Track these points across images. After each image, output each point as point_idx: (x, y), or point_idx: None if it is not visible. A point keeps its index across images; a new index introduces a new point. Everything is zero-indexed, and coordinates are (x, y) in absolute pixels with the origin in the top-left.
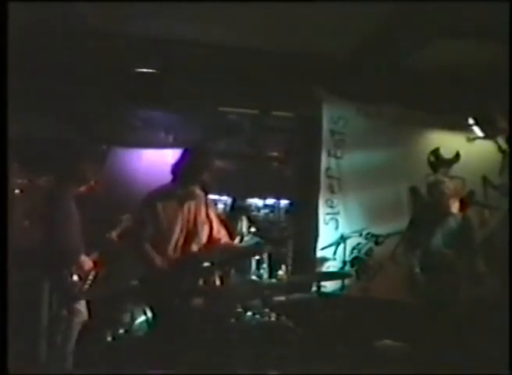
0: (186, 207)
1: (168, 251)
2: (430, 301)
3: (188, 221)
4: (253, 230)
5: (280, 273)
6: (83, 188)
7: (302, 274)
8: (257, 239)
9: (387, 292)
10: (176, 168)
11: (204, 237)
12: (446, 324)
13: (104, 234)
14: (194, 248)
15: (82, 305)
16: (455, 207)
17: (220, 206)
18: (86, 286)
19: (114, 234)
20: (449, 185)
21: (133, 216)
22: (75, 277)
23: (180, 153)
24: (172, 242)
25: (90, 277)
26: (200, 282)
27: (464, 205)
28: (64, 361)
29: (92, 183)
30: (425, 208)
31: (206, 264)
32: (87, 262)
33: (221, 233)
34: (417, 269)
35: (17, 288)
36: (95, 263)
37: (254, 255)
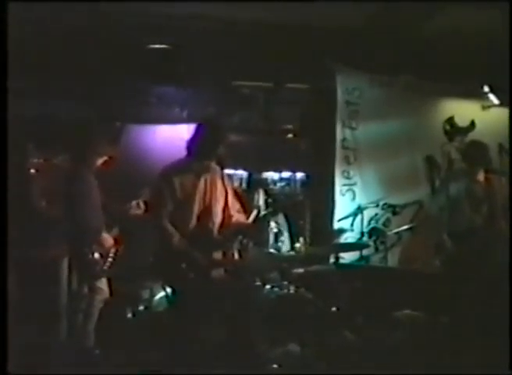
0: (202, 181)
1: (186, 225)
2: (458, 268)
3: (205, 195)
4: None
5: (298, 245)
6: (98, 163)
7: (320, 246)
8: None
9: (406, 262)
10: (191, 143)
11: (220, 212)
12: (472, 292)
13: (123, 211)
14: (211, 221)
15: (103, 283)
16: (481, 174)
17: (236, 181)
18: (107, 263)
19: (132, 210)
20: (484, 150)
21: (150, 191)
22: (96, 255)
23: (195, 128)
24: (190, 216)
25: (111, 255)
26: (219, 256)
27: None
28: (85, 339)
29: (106, 157)
30: (454, 174)
31: (223, 237)
32: (107, 239)
33: (235, 207)
34: (445, 236)
35: (38, 267)
36: (115, 240)
37: (267, 223)
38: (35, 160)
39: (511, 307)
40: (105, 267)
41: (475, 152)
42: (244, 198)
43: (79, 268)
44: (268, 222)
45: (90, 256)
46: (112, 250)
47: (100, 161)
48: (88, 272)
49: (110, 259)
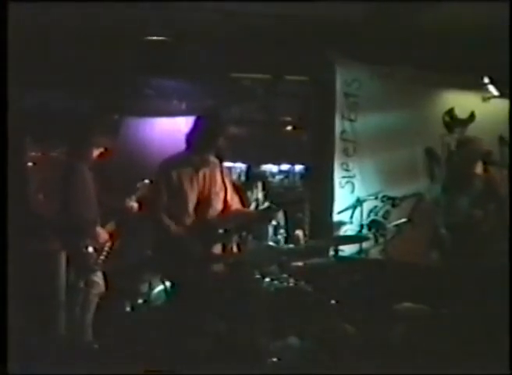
0: (201, 174)
1: (184, 219)
2: (456, 261)
3: (203, 188)
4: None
5: (297, 238)
6: (95, 155)
7: (319, 239)
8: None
9: (405, 254)
10: (191, 136)
11: (219, 205)
12: (471, 286)
13: (120, 204)
14: (210, 215)
15: (99, 277)
16: (480, 167)
17: (235, 173)
18: (102, 257)
19: (130, 203)
20: (480, 144)
21: (148, 184)
22: (90, 249)
23: (194, 121)
24: (188, 210)
25: (106, 249)
26: (218, 249)
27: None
28: (83, 333)
29: (102, 149)
30: (451, 167)
31: (222, 231)
32: (102, 233)
33: (234, 201)
34: (443, 230)
35: (33, 261)
36: (111, 234)
37: (268, 219)
38: (33, 153)
39: (511, 306)
40: (100, 261)
41: (471, 148)
42: (243, 192)
43: (74, 262)
44: (271, 219)
45: (84, 250)
46: (108, 244)
47: (96, 153)
48: (83, 266)
49: (105, 253)
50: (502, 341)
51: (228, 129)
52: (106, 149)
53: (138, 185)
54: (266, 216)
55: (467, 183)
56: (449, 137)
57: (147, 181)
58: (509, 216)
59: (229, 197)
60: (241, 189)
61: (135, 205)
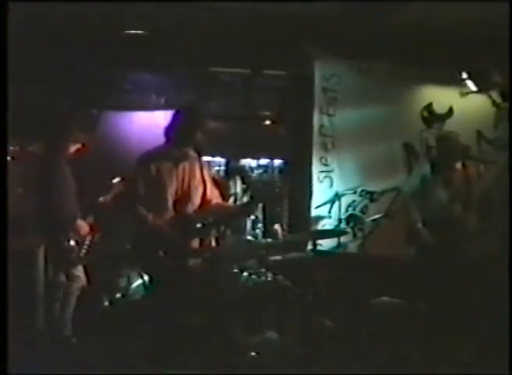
0: (180, 168)
1: (163, 213)
2: (433, 256)
3: (183, 182)
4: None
5: (276, 232)
6: (72, 150)
7: (298, 233)
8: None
9: (383, 249)
10: (169, 130)
11: (198, 199)
12: (447, 280)
13: (98, 198)
14: (189, 209)
15: (80, 271)
16: (458, 162)
17: (214, 168)
18: (83, 251)
19: (108, 198)
20: (458, 140)
21: (126, 178)
22: (72, 242)
23: (172, 115)
24: (167, 204)
25: (87, 242)
26: (196, 243)
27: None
28: (62, 327)
29: (79, 145)
30: (429, 161)
31: (200, 225)
32: (83, 226)
33: (214, 194)
34: (420, 225)
35: (14, 255)
36: (91, 227)
37: (247, 214)
38: (11, 148)
39: (511, 306)
40: (81, 254)
41: (449, 143)
42: (223, 186)
43: (55, 256)
44: (249, 213)
45: (66, 244)
46: (88, 237)
47: (73, 148)
48: (64, 259)
49: (86, 247)
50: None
51: (206, 123)
52: (83, 145)
53: (115, 180)
54: (245, 210)
55: (445, 178)
56: (428, 132)
57: (121, 178)
58: (509, 215)
59: (208, 191)
60: (221, 183)
61: (112, 199)
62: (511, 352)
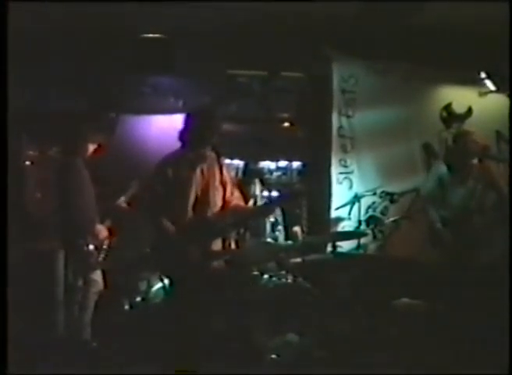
0: (198, 170)
1: (183, 217)
2: (453, 257)
3: (202, 184)
4: (266, 193)
5: (295, 234)
6: (89, 151)
7: (317, 235)
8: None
9: (404, 250)
10: (183, 133)
11: (218, 201)
12: (468, 281)
13: (116, 202)
14: (209, 211)
15: (98, 275)
16: (476, 160)
17: (232, 170)
18: (101, 255)
19: (125, 199)
20: (476, 138)
21: (143, 182)
22: (91, 247)
23: (186, 118)
24: (186, 207)
25: (105, 246)
26: (217, 246)
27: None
28: (81, 331)
29: (96, 146)
30: (448, 161)
31: (220, 227)
32: (102, 230)
33: (235, 196)
34: (439, 225)
35: (33, 260)
36: (109, 231)
37: (267, 215)
38: (30, 153)
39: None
40: (100, 259)
41: (467, 141)
42: (244, 187)
43: (74, 260)
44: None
45: (85, 248)
46: (106, 241)
47: (91, 149)
48: (83, 264)
49: (104, 251)
50: (502, 338)
51: (222, 125)
52: (100, 145)
53: (132, 183)
54: (265, 211)
55: (463, 177)
56: (447, 133)
57: (139, 179)
58: (509, 213)
59: (228, 192)
60: (241, 185)
61: (128, 202)
62: (511, 352)
